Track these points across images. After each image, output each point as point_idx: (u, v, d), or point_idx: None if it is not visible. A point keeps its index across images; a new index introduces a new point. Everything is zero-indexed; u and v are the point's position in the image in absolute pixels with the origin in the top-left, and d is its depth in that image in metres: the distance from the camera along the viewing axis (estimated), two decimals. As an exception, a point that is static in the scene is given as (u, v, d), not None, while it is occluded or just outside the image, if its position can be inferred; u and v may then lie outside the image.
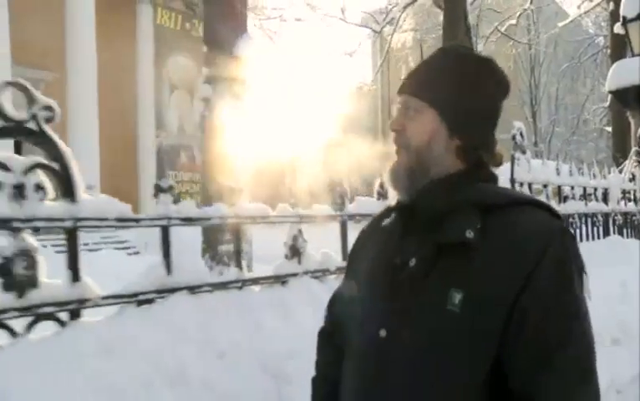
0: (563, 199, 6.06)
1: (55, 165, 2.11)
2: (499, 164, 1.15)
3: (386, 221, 1.20)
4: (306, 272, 3.04)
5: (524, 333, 0.97)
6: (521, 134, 5.51)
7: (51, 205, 2.09)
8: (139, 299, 2.34)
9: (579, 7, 17.93)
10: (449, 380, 0.99)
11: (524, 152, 5.43)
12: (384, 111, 34.71)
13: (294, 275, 2.99)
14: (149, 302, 2.37)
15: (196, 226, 2.74)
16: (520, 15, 15.22)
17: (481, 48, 16.03)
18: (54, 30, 16.95)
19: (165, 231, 2.46)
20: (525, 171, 5.39)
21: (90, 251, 10.92)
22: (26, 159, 2.03)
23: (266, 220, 2.96)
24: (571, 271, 1.01)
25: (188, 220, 2.52)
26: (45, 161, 2.09)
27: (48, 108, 2.09)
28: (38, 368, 1.93)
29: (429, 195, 1.09)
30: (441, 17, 17.11)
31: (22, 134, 2.05)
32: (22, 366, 1.90)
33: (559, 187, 6.09)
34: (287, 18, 25.01)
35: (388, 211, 1.21)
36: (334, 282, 3.07)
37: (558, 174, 6.02)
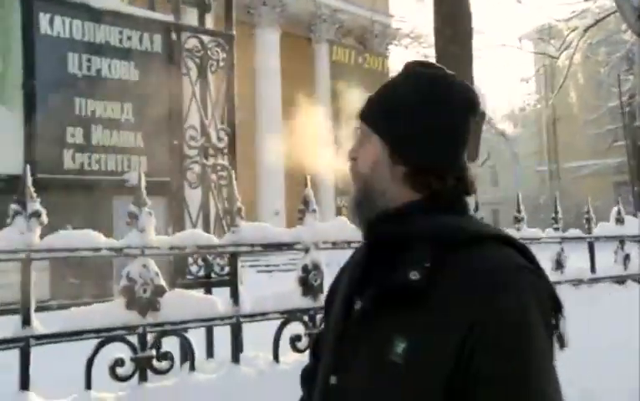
0: None
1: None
2: (468, 191, 1.01)
3: (357, 257, 1.10)
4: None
5: (472, 390, 0.84)
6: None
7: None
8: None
9: None
10: None
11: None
12: (549, 131, 33.83)
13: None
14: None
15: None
16: None
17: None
18: (242, 82, 19.42)
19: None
20: None
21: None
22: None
23: (539, 241, 3.80)
24: (527, 318, 0.86)
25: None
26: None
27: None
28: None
29: (374, 229, 1.00)
30: (624, 36, 16.67)
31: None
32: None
33: None
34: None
35: (361, 246, 1.11)
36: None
37: None
